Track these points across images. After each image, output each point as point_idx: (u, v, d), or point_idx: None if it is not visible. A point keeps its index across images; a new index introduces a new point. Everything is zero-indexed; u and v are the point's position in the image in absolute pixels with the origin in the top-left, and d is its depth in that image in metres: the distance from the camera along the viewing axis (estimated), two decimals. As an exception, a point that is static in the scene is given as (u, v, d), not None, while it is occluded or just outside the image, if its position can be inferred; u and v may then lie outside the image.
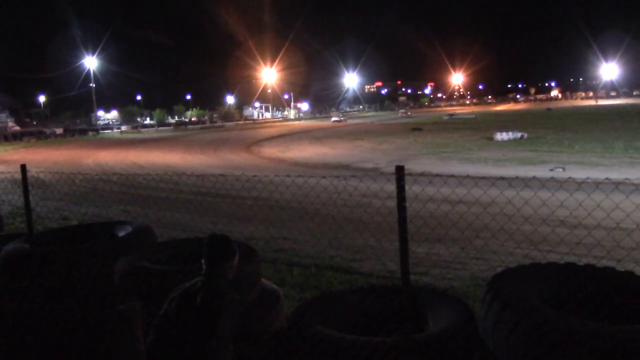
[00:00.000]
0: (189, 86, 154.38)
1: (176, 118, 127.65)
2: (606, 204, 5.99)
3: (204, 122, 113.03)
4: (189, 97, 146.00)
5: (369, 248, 8.12)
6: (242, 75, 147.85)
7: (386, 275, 7.10)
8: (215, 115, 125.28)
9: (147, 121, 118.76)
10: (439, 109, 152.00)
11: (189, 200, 14.55)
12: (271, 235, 9.78)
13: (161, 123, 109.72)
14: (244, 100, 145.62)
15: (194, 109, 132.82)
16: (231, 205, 13.24)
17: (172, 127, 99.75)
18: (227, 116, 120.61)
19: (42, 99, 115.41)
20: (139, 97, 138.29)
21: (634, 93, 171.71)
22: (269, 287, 4.82)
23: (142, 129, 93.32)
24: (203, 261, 3.07)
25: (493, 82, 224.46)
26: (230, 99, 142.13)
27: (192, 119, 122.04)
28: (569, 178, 5.77)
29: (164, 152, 40.53)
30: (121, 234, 5.88)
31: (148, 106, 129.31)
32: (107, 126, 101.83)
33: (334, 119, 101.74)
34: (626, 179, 5.85)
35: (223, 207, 12.99)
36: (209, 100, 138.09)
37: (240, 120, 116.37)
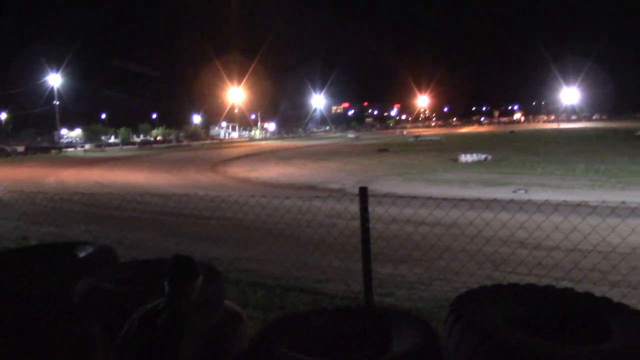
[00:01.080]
0: (155, 105, 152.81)
1: (141, 137, 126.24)
2: (564, 226, 6.13)
3: (169, 141, 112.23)
4: (154, 115, 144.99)
5: (333, 269, 8.12)
6: (208, 94, 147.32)
7: (350, 296, 7.10)
8: (181, 135, 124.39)
9: (112, 140, 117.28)
10: (405, 130, 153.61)
11: (152, 220, 14.37)
12: (235, 256, 9.72)
13: (126, 142, 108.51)
14: (211, 120, 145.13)
15: (160, 128, 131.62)
16: (195, 225, 13.13)
17: (137, 146, 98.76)
18: (193, 135, 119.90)
19: (3, 116, 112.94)
20: (103, 116, 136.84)
21: (594, 117, 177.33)
22: (232, 309, 4.77)
23: (107, 148, 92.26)
24: (166, 282, 3.05)
25: (458, 105, 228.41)
26: (196, 118, 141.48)
27: (158, 138, 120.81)
28: (529, 200, 5.90)
29: (128, 171, 40.02)
30: (82, 254, 5.76)
31: (113, 124, 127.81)
32: (71, 144, 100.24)
33: (350, 135, 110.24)
34: (583, 201, 6.01)
35: (187, 227, 12.86)
36: (175, 119, 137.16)
37: (206, 140, 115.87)
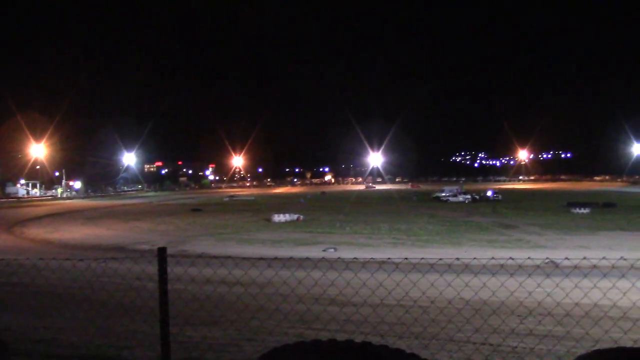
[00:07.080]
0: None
1: None
2: (371, 283, 6.37)
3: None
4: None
5: (141, 334, 7.62)
6: (6, 149, 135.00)
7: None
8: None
9: None
10: (220, 190, 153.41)
11: None
12: (30, 325, 8.71)
13: None
14: (8, 177, 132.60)
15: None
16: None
17: None
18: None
19: None
20: None
21: (397, 180, 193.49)
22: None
23: None
24: None
25: (271, 166, 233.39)
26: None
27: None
28: (339, 258, 6.06)
29: None
30: None
31: None
32: None
33: (369, 184, 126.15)
34: (388, 258, 6.33)
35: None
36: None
37: (2, 199, 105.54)
